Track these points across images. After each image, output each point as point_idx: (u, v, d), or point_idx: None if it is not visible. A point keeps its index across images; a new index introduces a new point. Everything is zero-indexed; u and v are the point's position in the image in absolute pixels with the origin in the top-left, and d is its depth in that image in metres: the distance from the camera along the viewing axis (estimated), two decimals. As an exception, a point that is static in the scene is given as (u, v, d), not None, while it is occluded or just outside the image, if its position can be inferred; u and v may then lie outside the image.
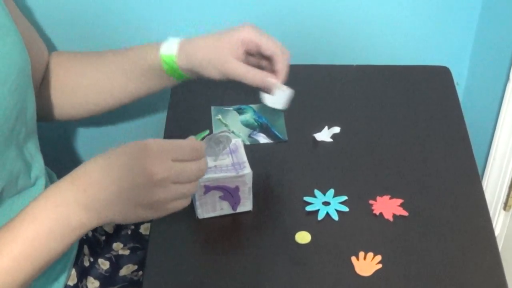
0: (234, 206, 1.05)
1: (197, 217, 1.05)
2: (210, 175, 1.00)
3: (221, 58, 1.05)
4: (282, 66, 1.06)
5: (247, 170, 1.03)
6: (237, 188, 1.03)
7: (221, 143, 1.01)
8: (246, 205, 1.06)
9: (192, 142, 0.87)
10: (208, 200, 1.03)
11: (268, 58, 1.08)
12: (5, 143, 0.93)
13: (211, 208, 1.04)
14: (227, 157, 1.04)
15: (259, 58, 1.10)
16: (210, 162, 1.01)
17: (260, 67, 1.09)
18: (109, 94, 1.15)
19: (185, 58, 1.07)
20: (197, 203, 1.03)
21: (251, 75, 1.05)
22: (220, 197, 1.03)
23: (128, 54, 1.13)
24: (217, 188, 1.02)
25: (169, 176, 0.83)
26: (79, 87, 1.15)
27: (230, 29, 1.08)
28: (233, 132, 1.20)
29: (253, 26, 1.07)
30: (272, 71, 1.07)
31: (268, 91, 1.07)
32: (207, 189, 1.01)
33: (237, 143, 1.06)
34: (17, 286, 0.84)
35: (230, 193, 1.03)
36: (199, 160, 0.87)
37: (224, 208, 1.05)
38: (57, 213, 0.84)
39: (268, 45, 1.06)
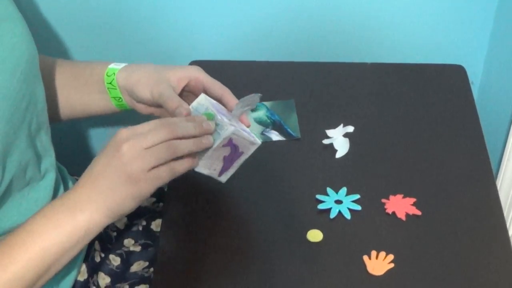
0: (221, 172, 1.01)
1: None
2: (239, 129, 0.97)
3: (159, 80, 1.04)
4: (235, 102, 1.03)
5: (259, 140, 1.00)
6: (239, 154, 1.00)
7: (248, 106, 0.99)
8: (228, 173, 1.02)
9: (153, 123, 0.91)
10: (215, 154, 0.97)
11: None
12: (15, 133, 0.93)
13: (209, 163, 0.98)
14: (236, 122, 1.00)
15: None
16: (228, 120, 0.97)
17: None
18: (59, 105, 1.15)
19: (126, 73, 1.07)
20: (207, 153, 0.96)
21: (172, 102, 1.00)
22: (224, 156, 0.99)
23: (82, 65, 1.15)
24: (231, 145, 0.98)
25: (132, 135, 0.88)
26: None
27: (178, 66, 1.08)
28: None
29: (199, 67, 1.07)
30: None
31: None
32: (229, 142, 0.97)
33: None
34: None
35: (231, 156, 1.00)
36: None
37: (216, 169, 1.00)
38: (64, 211, 0.89)
39: (216, 86, 1.05)
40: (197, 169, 0.97)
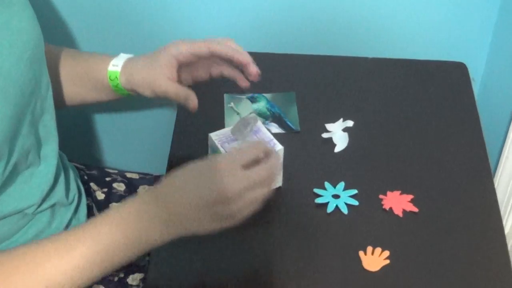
0: None
1: None
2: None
3: (153, 79, 1.06)
4: (231, 52, 1.04)
5: (279, 146, 1.03)
6: None
7: (249, 125, 1.01)
8: (277, 181, 1.06)
9: (251, 143, 0.93)
10: None
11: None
12: (20, 118, 0.93)
13: None
14: (253, 139, 1.04)
15: (208, 64, 1.10)
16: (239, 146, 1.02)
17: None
18: (61, 95, 1.15)
19: (126, 77, 1.09)
20: None
21: (179, 95, 1.04)
22: None
23: (82, 60, 1.14)
24: None
25: (242, 187, 0.87)
26: None
27: (162, 48, 1.08)
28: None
29: (182, 40, 1.07)
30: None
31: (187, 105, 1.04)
32: None
33: (258, 123, 1.06)
34: (82, 285, 0.88)
35: None
36: (267, 159, 0.90)
37: None
38: (140, 226, 0.88)
39: (203, 47, 1.04)
40: None
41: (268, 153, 0.90)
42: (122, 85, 1.09)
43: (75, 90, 1.15)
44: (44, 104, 1.00)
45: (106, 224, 0.88)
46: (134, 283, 1.12)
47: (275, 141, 1.04)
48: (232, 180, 0.86)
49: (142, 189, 1.26)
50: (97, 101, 1.17)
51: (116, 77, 1.09)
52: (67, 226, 1.09)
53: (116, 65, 1.09)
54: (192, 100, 1.03)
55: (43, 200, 1.02)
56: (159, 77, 1.05)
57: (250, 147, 0.90)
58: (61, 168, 1.10)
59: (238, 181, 0.86)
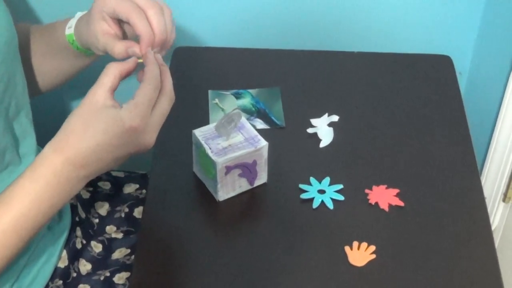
0: (252, 181, 1.06)
1: (218, 200, 1.05)
2: (230, 155, 1.01)
3: (93, 35, 0.97)
4: (142, 29, 0.91)
5: (263, 142, 1.03)
6: (254, 163, 1.03)
7: (232, 121, 1.02)
8: (262, 178, 1.07)
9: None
10: (229, 180, 1.03)
11: None
12: None
13: (231, 188, 1.04)
14: (237, 135, 1.04)
15: None
16: (223, 143, 1.02)
17: None
18: (41, 73, 1.12)
19: (77, 38, 1.04)
20: (218, 186, 1.03)
21: (115, 50, 0.95)
22: (239, 175, 1.03)
23: (50, 31, 1.09)
24: (236, 167, 1.02)
25: (144, 112, 0.85)
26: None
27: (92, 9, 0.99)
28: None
29: None
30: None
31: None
32: (228, 169, 1.01)
33: (242, 119, 1.06)
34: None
35: (248, 169, 1.03)
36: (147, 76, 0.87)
37: (242, 186, 1.05)
38: (62, 188, 0.86)
39: (122, 8, 0.92)
40: (221, 199, 1.05)
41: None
42: (80, 45, 1.04)
43: (50, 64, 1.11)
44: (19, 102, 0.99)
45: (30, 201, 0.86)
46: (120, 282, 1.11)
47: (259, 137, 1.04)
48: (129, 115, 0.84)
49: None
50: (75, 68, 1.12)
51: (74, 40, 1.04)
52: (49, 227, 1.08)
53: (70, 26, 1.04)
54: (132, 49, 0.92)
55: None
56: (97, 33, 0.97)
57: (118, 69, 0.86)
58: None
59: (136, 112, 0.84)
